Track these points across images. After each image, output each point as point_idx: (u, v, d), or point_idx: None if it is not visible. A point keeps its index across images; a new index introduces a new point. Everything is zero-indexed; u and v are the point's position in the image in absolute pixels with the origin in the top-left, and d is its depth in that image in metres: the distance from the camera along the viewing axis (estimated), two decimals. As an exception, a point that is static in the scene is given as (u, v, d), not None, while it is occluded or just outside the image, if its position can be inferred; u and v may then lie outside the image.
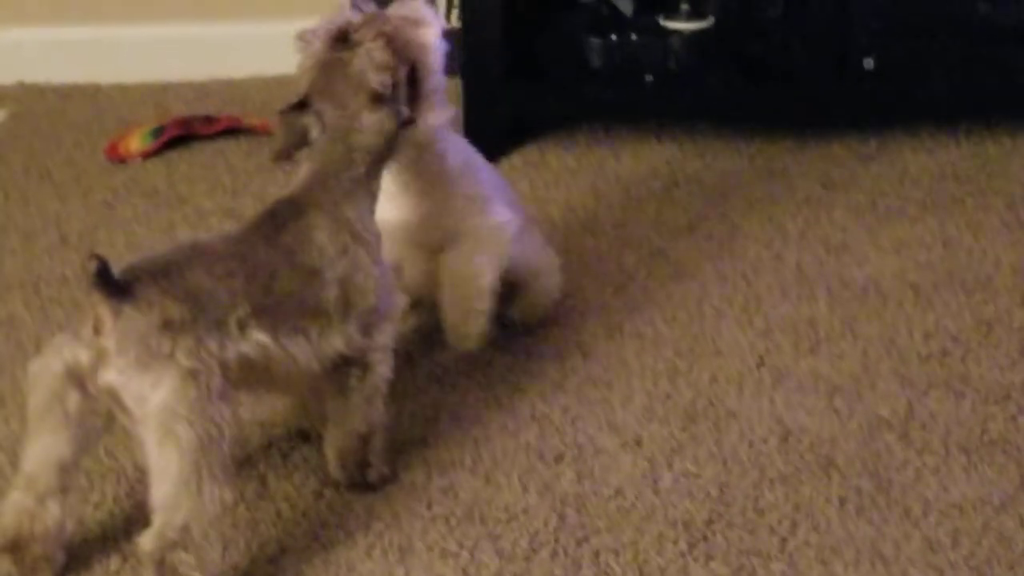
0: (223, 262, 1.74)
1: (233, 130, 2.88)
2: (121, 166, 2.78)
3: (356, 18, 1.90)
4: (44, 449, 1.72)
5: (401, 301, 2.21)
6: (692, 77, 2.84)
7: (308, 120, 1.85)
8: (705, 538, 1.85)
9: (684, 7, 2.89)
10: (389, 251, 1.96)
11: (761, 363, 2.18)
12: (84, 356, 1.67)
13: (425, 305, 2.24)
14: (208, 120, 2.89)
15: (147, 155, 2.80)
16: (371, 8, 1.94)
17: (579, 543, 1.84)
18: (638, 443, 2.01)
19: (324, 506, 1.91)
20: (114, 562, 1.82)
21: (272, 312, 1.75)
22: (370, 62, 1.84)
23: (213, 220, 2.56)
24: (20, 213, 2.63)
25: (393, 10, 1.97)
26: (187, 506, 1.65)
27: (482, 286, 2.09)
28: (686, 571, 1.80)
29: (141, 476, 1.90)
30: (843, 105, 2.85)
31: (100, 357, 1.66)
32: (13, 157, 2.83)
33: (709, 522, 1.87)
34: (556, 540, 1.85)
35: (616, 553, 1.83)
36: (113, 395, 1.67)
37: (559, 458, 1.99)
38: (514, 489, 1.93)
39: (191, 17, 3.11)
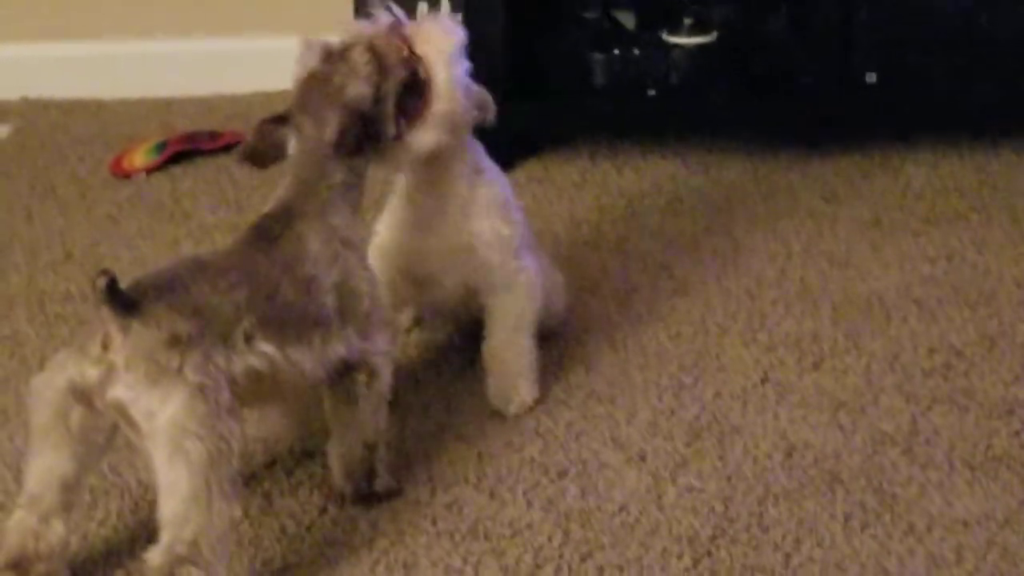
0: (226, 276, 1.75)
1: (237, 145, 2.87)
2: (125, 181, 2.78)
3: (372, 29, 1.90)
4: (47, 467, 1.72)
5: (404, 319, 2.22)
6: (695, 91, 2.84)
7: (285, 133, 1.87)
8: (709, 554, 1.85)
9: (687, 22, 2.89)
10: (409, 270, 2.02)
11: (765, 378, 2.18)
12: (91, 372, 1.67)
13: (429, 321, 2.24)
14: (212, 135, 2.90)
15: (151, 170, 2.81)
16: (386, 19, 1.93)
17: (583, 559, 1.84)
18: (642, 458, 2.01)
19: (328, 522, 1.91)
20: (119, 578, 1.82)
21: (276, 323, 1.76)
22: (350, 74, 1.85)
23: (217, 235, 2.56)
24: (24, 228, 2.63)
25: (415, 24, 1.95)
26: (196, 521, 1.65)
27: (523, 364, 2.10)
28: (690, 587, 1.81)
29: (145, 492, 1.91)
30: (846, 119, 2.85)
31: (108, 373, 1.67)
32: (17, 172, 2.83)
33: (713, 538, 1.87)
34: (560, 556, 1.85)
35: (620, 569, 1.83)
36: (121, 411, 1.68)
37: (563, 473, 1.99)
38: (518, 505, 1.93)
39: (195, 33, 3.11)
